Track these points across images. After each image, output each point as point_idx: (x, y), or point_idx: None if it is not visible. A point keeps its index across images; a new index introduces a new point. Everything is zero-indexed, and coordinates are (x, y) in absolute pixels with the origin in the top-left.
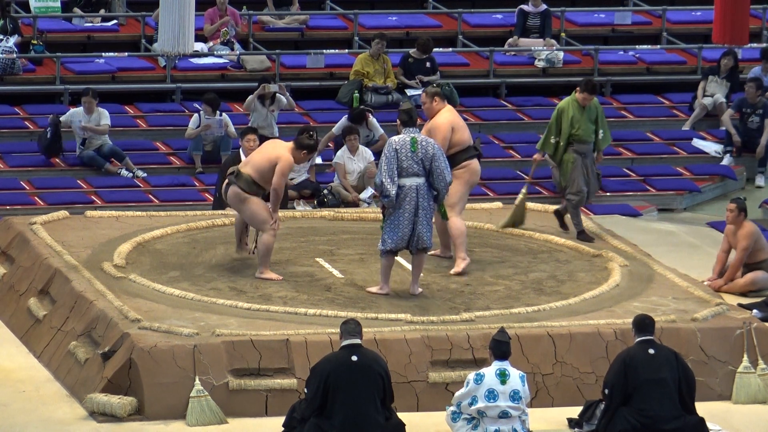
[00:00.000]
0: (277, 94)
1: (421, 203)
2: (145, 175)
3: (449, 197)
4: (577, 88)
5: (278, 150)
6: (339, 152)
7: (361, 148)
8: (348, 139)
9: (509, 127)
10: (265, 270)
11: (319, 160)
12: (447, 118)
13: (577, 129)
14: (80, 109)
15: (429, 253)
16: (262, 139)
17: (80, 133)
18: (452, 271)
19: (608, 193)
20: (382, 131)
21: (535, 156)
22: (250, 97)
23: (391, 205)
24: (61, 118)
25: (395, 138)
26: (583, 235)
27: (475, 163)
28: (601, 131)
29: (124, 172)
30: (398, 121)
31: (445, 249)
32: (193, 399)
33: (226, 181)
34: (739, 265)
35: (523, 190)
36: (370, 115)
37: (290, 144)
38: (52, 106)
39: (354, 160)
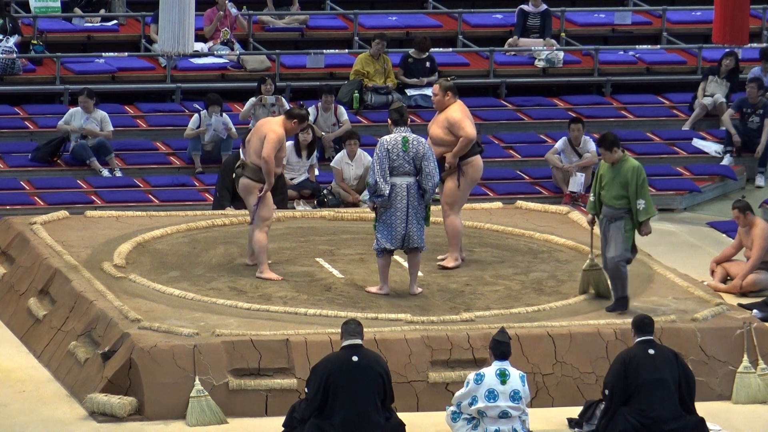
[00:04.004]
0: (281, 97)
1: (411, 202)
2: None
3: (449, 195)
4: None
5: (268, 126)
6: (338, 156)
7: (360, 152)
8: (348, 143)
9: (509, 127)
10: (264, 270)
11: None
12: (461, 110)
13: (601, 189)
14: (78, 109)
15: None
16: None
17: (79, 133)
18: (442, 263)
19: None
20: (347, 117)
21: (587, 217)
22: (244, 110)
23: (384, 205)
24: (58, 124)
25: (386, 138)
26: (613, 306)
27: (478, 160)
28: (641, 201)
29: (105, 173)
30: (389, 120)
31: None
32: (193, 399)
33: (236, 174)
34: (756, 264)
35: (588, 261)
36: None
37: (280, 118)
38: (52, 106)
39: (352, 166)
